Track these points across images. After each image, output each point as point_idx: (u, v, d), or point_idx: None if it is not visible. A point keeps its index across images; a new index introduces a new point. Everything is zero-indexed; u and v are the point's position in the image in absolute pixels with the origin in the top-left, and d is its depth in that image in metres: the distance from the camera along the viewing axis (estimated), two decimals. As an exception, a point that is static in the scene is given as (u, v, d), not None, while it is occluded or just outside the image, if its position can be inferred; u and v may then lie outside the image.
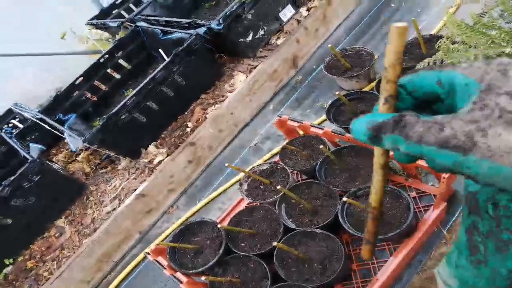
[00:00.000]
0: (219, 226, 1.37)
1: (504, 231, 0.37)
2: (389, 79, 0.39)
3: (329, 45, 1.61)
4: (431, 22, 1.79)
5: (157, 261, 1.46)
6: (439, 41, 1.39)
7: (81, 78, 2.45)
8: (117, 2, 3.08)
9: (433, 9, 1.86)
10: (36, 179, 2.08)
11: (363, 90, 1.62)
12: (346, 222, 1.22)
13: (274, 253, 1.24)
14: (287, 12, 2.14)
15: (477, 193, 0.39)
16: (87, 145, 2.08)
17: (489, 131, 0.31)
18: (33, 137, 2.58)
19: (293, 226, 1.31)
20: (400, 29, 0.36)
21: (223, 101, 2.00)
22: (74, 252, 1.87)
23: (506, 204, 0.36)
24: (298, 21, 2.12)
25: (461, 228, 0.42)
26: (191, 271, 1.36)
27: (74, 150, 2.25)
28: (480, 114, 0.32)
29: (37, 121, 2.38)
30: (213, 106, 2.05)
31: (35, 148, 2.39)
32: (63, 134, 2.35)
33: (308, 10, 2.14)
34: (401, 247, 1.12)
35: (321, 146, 1.36)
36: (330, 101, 1.57)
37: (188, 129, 2.02)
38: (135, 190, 1.88)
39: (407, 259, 1.12)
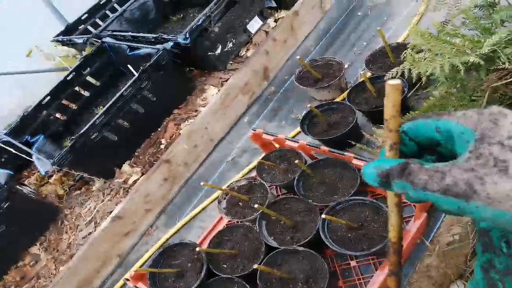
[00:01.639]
0: (198, 249, 1.29)
1: None
2: (391, 129, 0.40)
3: (298, 57, 1.56)
4: (397, 29, 1.77)
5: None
6: (404, 52, 1.36)
7: (48, 97, 2.31)
8: (82, 18, 2.92)
9: (399, 17, 1.83)
10: (5, 205, 1.94)
11: (335, 100, 1.58)
12: (328, 238, 1.16)
13: (257, 274, 1.17)
14: (254, 24, 2.08)
15: (490, 231, 0.39)
16: (57, 167, 1.95)
17: (487, 179, 0.32)
18: (2, 160, 2.41)
19: (275, 244, 1.25)
20: (395, 86, 0.38)
21: (196, 116, 1.92)
22: (51, 281, 1.75)
23: None
24: (267, 33, 2.07)
25: (476, 265, 0.41)
26: (172, 297, 1.28)
27: (44, 173, 2.11)
28: (476, 163, 0.34)
29: (2, 145, 2.22)
30: (186, 121, 1.96)
31: (2, 174, 2.23)
32: (31, 157, 2.21)
33: (275, 21, 2.09)
34: (386, 261, 1.07)
35: (297, 161, 1.30)
36: (304, 112, 1.52)
37: (162, 146, 1.93)
38: (110, 212, 1.77)
39: (392, 274, 1.08)
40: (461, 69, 1.12)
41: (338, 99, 1.62)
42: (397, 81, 0.38)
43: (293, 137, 1.65)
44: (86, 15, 2.94)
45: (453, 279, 1.13)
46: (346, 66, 1.62)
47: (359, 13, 2.01)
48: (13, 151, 2.20)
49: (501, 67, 1.05)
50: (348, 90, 1.51)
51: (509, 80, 1.05)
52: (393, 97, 0.39)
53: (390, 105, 0.40)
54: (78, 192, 2.09)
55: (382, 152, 0.43)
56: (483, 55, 1.10)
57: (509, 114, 0.35)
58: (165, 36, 2.01)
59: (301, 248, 1.17)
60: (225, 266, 1.30)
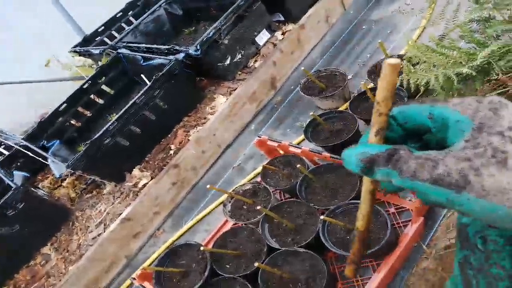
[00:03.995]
0: (202, 248, 1.33)
1: (494, 266, 0.35)
2: (381, 112, 0.37)
3: (302, 68, 1.61)
4: (400, 42, 1.81)
5: (143, 286, 1.41)
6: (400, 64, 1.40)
7: (64, 105, 2.39)
8: (99, 30, 3.04)
9: (402, 30, 1.88)
10: (20, 206, 2.00)
11: (338, 109, 1.63)
12: (328, 240, 1.19)
13: (259, 274, 1.21)
14: (263, 36, 2.14)
15: (468, 226, 0.38)
16: (71, 170, 2.01)
17: (483, 170, 0.30)
18: (18, 164, 2.49)
19: (276, 245, 1.28)
20: (393, 66, 0.35)
21: (205, 123, 1.97)
22: (60, 280, 1.79)
23: (495, 239, 0.35)
24: (274, 45, 2.13)
25: (455, 261, 0.40)
26: (177, 296, 1.31)
27: (58, 176, 2.17)
28: (473, 152, 0.31)
29: (21, 148, 2.30)
30: (195, 128, 2.02)
31: (18, 176, 2.31)
32: (47, 160, 2.28)
33: (283, 34, 2.16)
34: (383, 263, 1.10)
35: (298, 166, 1.34)
36: (308, 120, 1.57)
37: (172, 152, 1.98)
38: (120, 214, 1.82)
39: (390, 275, 1.10)
40: (455, 79, 1.16)
41: (341, 108, 1.67)
42: (397, 61, 0.35)
43: (298, 144, 1.70)
44: (103, 27, 3.05)
45: (450, 283, 1.15)
46: (350, 77, 1.66)
47: (364, 27, 2.06)
48: (30, 155, 2.27)
49: (494, 78, 1.08)
50: (350, 100, 1.55)
51: (501, 90, 1.09)
52: (390, 78, 0.36)
53: (385, 86, 0.36)
54: (90, 195, 2.15)
55: (364, 137, 0.40)
56: (477, 67, 1.14)
57: (510, 104, 0.33)
58: (177, 47, 2.08)
59: (301, 250, 1.20)
60: (228, 266, 1.33)
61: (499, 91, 1.07)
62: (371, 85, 1.54)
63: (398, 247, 1.11)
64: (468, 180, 0.30)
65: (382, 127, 0.38)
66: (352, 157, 0.37)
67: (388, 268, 1.08)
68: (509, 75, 1.05)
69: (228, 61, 2.09)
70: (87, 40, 3.04)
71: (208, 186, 1.42)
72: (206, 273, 1.30)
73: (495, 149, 0.31)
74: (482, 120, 0.33)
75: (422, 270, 1.10)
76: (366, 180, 0.41)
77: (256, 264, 1.13)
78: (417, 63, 1.30)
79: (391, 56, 1.52)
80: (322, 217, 1.15)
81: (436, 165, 0.32)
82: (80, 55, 3.07)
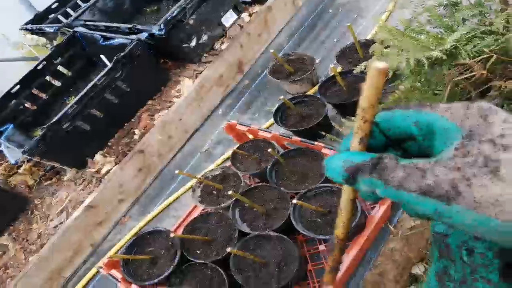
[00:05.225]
0: (172, 235, 1.29)
1: (480, 280, 0.33)
2: (366, 120, 0.35)
3: (272, 51, 1.57)
4: (367, 26, 1.81)
5: (110, 275, 1.36)
6: (372, 46, 1.40)
7: (17, 86, 2.22)
8: (53, 7, 2.82)
9: (368, 15, 1.88)
10: (-28, 196, 1.86)
11: (307, 93, 1.61)
12: (299, 223, 1.19)
13: (230, 259, 1.19)
14: (229, 17, 2.07)
15: (447, 236, 0.35)
16: (28, 156, 1.88)
17: (474, 180, 0.28)
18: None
19: (247, 230, 1.27)
20: (380, 70, 0.33)
21: (170, 107, 1.90)
22: (20, 271, 1.69)
23: (484, 252, 0.33)
24: (241, 26, 2.07)
25: (431, 271, 0.38)
26: (146, 283, 1.27)
27: (13, 162, 2.03)
28: (463, 161, 0.29)
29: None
30: (160, 112, 1.94)
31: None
32: (0, 146, 2.13)
33: (249, 15, 2.10)
34: (353, 244, 1.12)
35: (270, 150, 1.32)
36: (277, 105, 1.54)
37: (136, 136, 1.90)
38: (83, 201, 1.73)
39: (359, 256, 1.12)
40: (425, 63, 1.17)
41: (309, 92, 1.66)
42: (384, 64, 0.33)
43: (267, 128, 1.68)
44: (57, 4, 2.83)
45: (414, 262, 1.19)
46: (317, 61, 1.65)
47: (330, 11, 2.04)
48: (-20, 141, 2.10)
49: (461, 62, 1.10)
50: (319, 84, 1.54)
51: (468, 75, 1.11)
52: (376, 83, 0.33)
53: (371, 92, 0.34)
54: (49, 182, 2.03)
55: (343, 144, 0.38)
56: (446, 51, 1.15)
57: (500, 111, 0.32)
58: (139, 26, 1.97)
59: (272, 234, 1.19)
60: (199, 252, 1.30)
61: (466, 75, 1.09)
62: (340, 69, 1.54)
63: (367, 228, 1.13)
64: (459, 191, 0.28)
65: (366, 135, 0.36)
66: (335, 165, 0.34)
67: (358, 249, 1.10)
68: (475, 59, 1.07)
69: (193, 42, 2.01)
70: (39, 18, 2.81)
71: (177, 171, 1.37)
72: (176, 260, 1.27)
73: (487, 158, 0.29)
74: (472, 128, 0.31)
75: (389, 250, 1.13)
76: (347, 189, 0.39)
77: (228, 249, 1.11)
78: (388, 46, 1.30)
79: (359, 40, 1.52)
80: (294, 201, 1.15)
81: (425, 175, 0.30)
82: (32, 34, 2.84)
